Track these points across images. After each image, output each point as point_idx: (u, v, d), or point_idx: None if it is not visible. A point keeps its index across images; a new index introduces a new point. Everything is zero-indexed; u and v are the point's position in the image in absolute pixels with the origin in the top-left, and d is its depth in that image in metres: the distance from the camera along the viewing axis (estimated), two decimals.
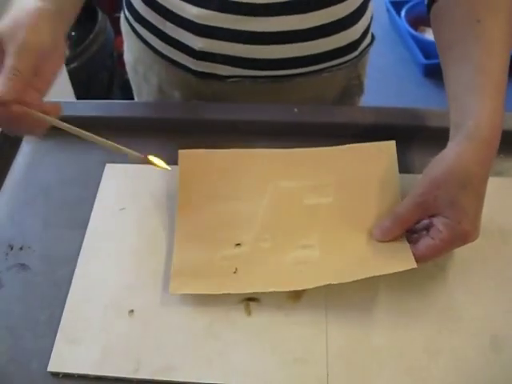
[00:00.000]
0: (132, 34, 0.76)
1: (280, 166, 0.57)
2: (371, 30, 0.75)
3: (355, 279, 0.47)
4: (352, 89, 0.77)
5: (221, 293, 0.49)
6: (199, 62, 0.69)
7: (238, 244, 0.53)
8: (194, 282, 0.51)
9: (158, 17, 0.68)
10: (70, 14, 0.55)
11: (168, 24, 0.68)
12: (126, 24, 0.77)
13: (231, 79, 0.70)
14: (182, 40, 0.68)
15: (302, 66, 0.69)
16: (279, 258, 0.52)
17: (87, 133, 0.50)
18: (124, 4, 0.76)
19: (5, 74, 0.46)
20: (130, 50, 0.80)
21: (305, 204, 0.55)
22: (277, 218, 0.55)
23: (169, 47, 0.70)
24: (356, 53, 0.73)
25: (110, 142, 0.50)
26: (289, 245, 0.53)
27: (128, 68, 0.84)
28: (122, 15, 0.79)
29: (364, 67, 0.77)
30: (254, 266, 0.52)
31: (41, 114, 0.48)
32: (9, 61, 0.46)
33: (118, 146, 0.51)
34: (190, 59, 0.69)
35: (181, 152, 0.58)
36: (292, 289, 0.50)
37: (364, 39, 0.73)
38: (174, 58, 0.71)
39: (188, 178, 0.57)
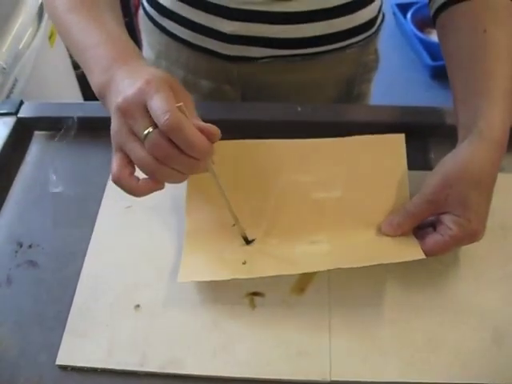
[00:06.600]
0: (155, 29, 0.77)
1: (288, 158, 0.56)
2: (383, 7, 0.78)
3: (365, 265, 0.48)
4: (370, 64, 0.80)
5: (230, 278, 0.50)
6: (231, 46, 0.71)
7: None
8: (202, 271, 0.51)
9: (187, 7, 0.69)
10: None
11: (198, 12, 0.69)
12: (148, 20, 0.78)
13: (263, 60, 0.71)
14: (214, 26, 0.69)
15: (329, 43, 0.72)
16: (288, 250, 0.53)
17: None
18: (144, 2, 0.77)
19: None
20: (152, 47, 0.81)
21: (313, 198, 0.55)
22: (285, 214, 0.55)
23: (198, 35, 0.71)
24: (374, 29, 0.76)
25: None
26: (297, 241, 0.53)
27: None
28: (140, 13, 0.81)
29: (378, 42, 0.80)
30: (263, 258, 0.52)
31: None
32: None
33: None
34: (222, 44, 0.71)
35: None
36: (301, 271, 0.51)
37: (379, 15, 0.77)
38: (204, 45, 0.72)
39: None
